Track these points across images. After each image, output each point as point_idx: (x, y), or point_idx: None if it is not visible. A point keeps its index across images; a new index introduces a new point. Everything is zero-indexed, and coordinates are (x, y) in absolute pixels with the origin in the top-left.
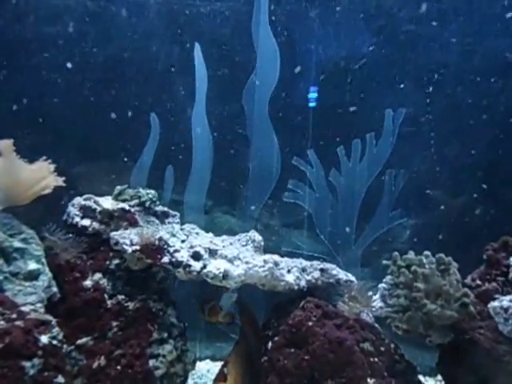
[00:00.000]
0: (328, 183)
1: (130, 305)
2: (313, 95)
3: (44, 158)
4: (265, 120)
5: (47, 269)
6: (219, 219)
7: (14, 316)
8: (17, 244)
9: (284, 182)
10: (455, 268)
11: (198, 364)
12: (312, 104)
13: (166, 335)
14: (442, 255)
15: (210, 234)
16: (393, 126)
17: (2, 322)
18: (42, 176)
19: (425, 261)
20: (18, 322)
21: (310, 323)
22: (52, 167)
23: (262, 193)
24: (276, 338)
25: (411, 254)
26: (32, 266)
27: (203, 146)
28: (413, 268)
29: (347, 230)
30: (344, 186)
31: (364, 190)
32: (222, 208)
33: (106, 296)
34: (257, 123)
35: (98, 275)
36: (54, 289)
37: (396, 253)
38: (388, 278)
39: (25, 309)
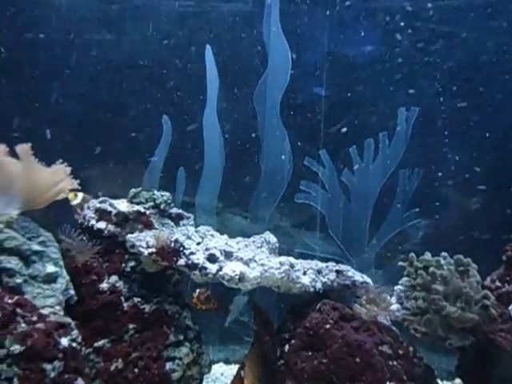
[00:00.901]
0: (340, 184)
1: (146, 307)
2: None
3: (60, 160)
4: (276, 121)
5: (65, 271)
6: (230, 221)
7: (35, 318)
8: (35, 247)
9: (296, 183)
10: (474, 270)
11: (212, 367)
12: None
13: (182, 338)
14: (461, 256)
15: (225, 236)
16: (406, 125)
17: (23, 325)
18: (59, 179)
19: (443, 262)
20: (39, 325)
21: (328, 326)
22: (68, 170)
23: (274, 194)
24: (293, 341)
25: (428, 255)
26: (50, 268)
27: (214, 147)
28: (431, 270)
29: (360, 231)
30: (357, 186)
31: (377, 190)
32: (232, 209)
33: (122, 299)
34: (268, 124)
35: (114, 278)
36: (72, 291)
37: (412, 254)
38: (404, 279)
39: (44, 311)
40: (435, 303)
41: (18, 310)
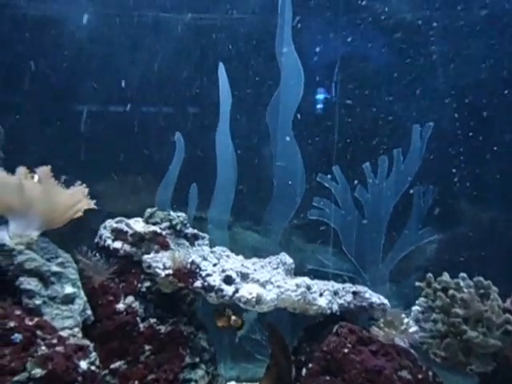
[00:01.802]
0: (354, 200)
1: (162, 328)
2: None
3: (79, 182)
4: (289, 137)
5: (82, 292)
6: (241, 235)
7: (55, 341)
8: (54, 268)
9: (309, 198)
10: (495, 293)
11: None
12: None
13: (197, 360)
14: (481, 279)
15: (241, 257)
16: (421, 142)
17: (44, 348)
18: (77, 200)
19: (462, 284)
20: (59, 348)
21: (346, 350)
22: (86, 191)
23: (287, 210)
24: (310, 365)
25: (446, 276)
26: (68, 289)
27: (227, 163)
28: (450, 292)
29: (374, 247)
30: (371, 202)
31: (391, 206)
32: (243, 224)
33: (138, 319)
34: (281, 140)
35: (130, 298)
36: (89, 312)
37: (430, 274)
38: (422, 300)
39: (64, 333)
40: (455, 327)
41: (39, 333)
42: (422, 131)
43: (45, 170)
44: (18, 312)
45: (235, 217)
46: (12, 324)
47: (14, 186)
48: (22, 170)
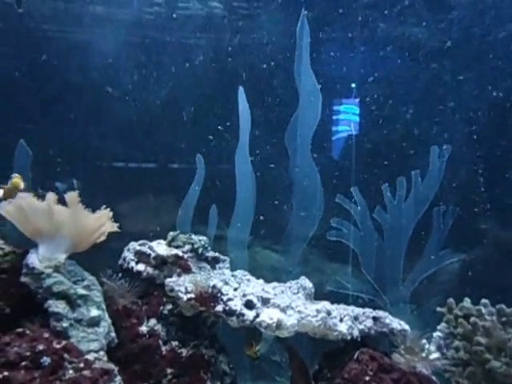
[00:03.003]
0: (373, 221)
1: (184, 351)
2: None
3: (104, 206)
4: (307, 159)
5: (107, 315)
6: (259, 254)
7: (82, 365)
8: (81, 291)
9: (327, 219)
10: None
11: None
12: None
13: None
14: (503, 306)
15: (261, 281)
16: (439, 163)
17: (71, 371)
18: (102, 223)
19: (484, 311)
20: (86, 372)
21: (367, 378)
22: (110, 214)
23: (306, 231)
24: None
25: (468, 303)
26: (94, 312)
27: (246, 185)
28: (472, 320)
29: (394, 269)
30: (390, 223)
31: (411, 227)
32: (261, 243)
33: (160, 342)
34: (300, 162)
35: (152, 321)
36: (113, 334)
37: (451, 300)
38: (443, 326)
39: (90, 357)
40: (478, 355)
41: (66, 356)
42: (440, 152)
43: (73, 196)
44: (46, 335)
45: (254, 236)
46: (41, 347)
47: (43, 211)
48: (51, 196)
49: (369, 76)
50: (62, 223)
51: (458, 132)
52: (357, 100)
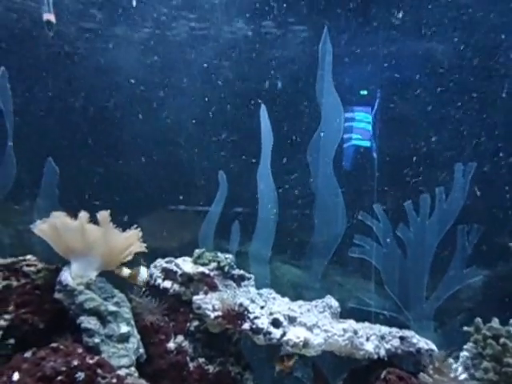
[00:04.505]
0: (396, 238)
1: (210, 368)
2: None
3: (135, 226)
4: (330, 175)
5: (136, 331)
6: (280, 269)
7: (114, 381)
8: (111, 307)
9: (350, 236)
10: None
11: None
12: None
13: None
14: None
15: (286, 299)
16: (464, 180)
17: None
18: (132, 242)
19: None
20: None
21: None
22: (140, 234)
23: (328, 247)
24: None
25: (496, 322)
26: (124, 328)
27: (268, 200)
28: (502, 341)
29: (418, 286)
30: (413, 241)
31: (435, 245)
32: (281, 257)
33: (188, 359)
34: (322, 178)
35: (180, 337)
36: (141, 350)
37: (478, 319)
38: (470, 345)
39: (121, 372)
40: (508, 377)
41: (99, 371)
42: (464, 170)
43: (104, 215)
44: (79, 350)
45: (275, 251)
46: (75, 362)
47: (76, 229)
48: (83, 215)
49: (389, 91)
50: (93, 242)
51: (482, 149)
52: (374, 114)
